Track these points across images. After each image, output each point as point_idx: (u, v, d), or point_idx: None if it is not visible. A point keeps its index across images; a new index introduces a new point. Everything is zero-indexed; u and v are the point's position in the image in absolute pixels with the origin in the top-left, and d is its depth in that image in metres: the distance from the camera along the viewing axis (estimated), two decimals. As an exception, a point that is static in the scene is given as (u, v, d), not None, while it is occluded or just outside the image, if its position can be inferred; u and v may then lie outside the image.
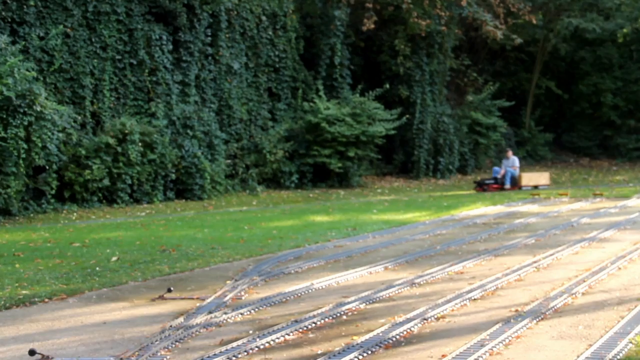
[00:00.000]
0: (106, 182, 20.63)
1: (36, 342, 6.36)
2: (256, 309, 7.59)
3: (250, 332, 6.60)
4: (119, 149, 20.88)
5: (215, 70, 24.98)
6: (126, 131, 21.06)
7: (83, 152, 20.39)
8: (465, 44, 32.60)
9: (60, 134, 19.62)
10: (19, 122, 17.49)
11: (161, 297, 8.29)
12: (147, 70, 22.90)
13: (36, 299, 8.26)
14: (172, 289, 8.53)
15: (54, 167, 19.46)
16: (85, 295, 8.56)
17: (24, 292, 8.58)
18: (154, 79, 23.06)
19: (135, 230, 15.01)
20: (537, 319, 6.98)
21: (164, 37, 23.25)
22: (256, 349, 6.04)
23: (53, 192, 19.55)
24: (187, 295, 8.36)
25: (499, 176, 25.31)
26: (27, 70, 18.30)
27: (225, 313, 7.32)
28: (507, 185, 25.11)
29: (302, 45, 27.48)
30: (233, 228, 15.09)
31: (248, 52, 26.07)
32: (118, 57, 22.37)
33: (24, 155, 17.76)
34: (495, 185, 24.99)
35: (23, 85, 17.67)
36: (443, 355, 5.85)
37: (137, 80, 22.83)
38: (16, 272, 9.86)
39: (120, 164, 20.93)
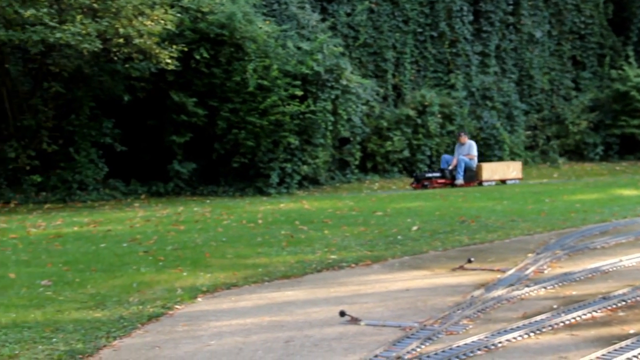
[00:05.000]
0: (406, 153, 21.13)
1: (345, 304, 6.69)
2: (560, 284, 7.35)
3: (555, 307, 6.41)
4: (419, 121, 21.27)
5: (516, 40, 24.42)
6: (426, 103, 21.37)
7: (384, 124, 21.04)
8: None
9: (364, 107, 20.41)
10: (326, 95, 18.46)
11: (461, 268, 8.33)
12: (447, 42, 23.01)
13: (343, 264, 8.69)
14: (472, 259, 8.53)
15: (358, 138, 20.29)
16: (388, 263, 8.84)
17: (332, 256, 9.06)
18: (454, 50, 23.12)
19: (434, 201, 15.20)
20: None
21: (465, 8, 23.17)
22: (561, 324, 5.86)
23: (357, 162, 20.44)
24: (487, 267, 8.31)
25: (449, 167, 19.09)
26: (335, 46, 19.23)
27: (527, 286, 7.18)
28: (460, 180, 18.90)
29: (611, 10, 25.89)
30: (533, 200, 14.72)
31: (551, 19, 25.13)
32: (419, 30, 22.72)
33: (330, 128, 18.74)
34: (441, 180, 18.82)
35: (331, 61, 18.61)
36: None
37: (437, 52, 23.04)
38: (325, 237, 10.45)
39: (420, 136, 21.31)
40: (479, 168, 19.47)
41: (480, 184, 19.26)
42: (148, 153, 18.46)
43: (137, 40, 15.42)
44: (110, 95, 17.47)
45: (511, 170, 19.83)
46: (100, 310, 6.56)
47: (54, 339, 5.65)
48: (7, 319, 6.22)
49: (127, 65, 16.62)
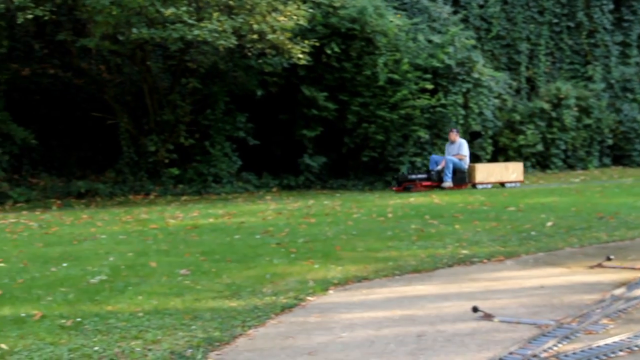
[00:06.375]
0: (539, 147, 20.62)
1: (477, 299, 6.59)
2: None
3: (702, 309, 6.10)
4: (554, 114, 20.71)
5: (660, 29, 23.36)
6: (561, 96, 20.78)
7: (517, 117, 20.60)
8: None
9: (496, 100, 20.05)
10: (458, 89, 18.25)
11: (599, 265, 8.05)
12: (584, 33, 22.26)
13: (475, 259, 8.56)
14: (611, 257, 8.22)
15: (489, 132, 19.95)
16: (521, 259, 8.64)
17: (463, 251, 8.94)
18: (592, 41, 22.34)
19: (569, 196, 14.74)
20: None
21: (605, -3, 22.39)
22: None
23: (488, 157, 20.11)
24: (628, 265, 7.98)
25: (438, 168, 17.28)
26: (466, 38, 18.98)
27: (672, 287, 6.85)
28: (447, 183, 17.10)
29: None
30: (678, 197, 14.03)
31: (699, 5, 23.87)
32: (555, 20, 22.09)
33: (461, 121, 18.51)
34: (426, 183, 17.07)
35: (462, 54, 18.38)
36: None
37: (573, 44, 22.34)
38: (456, 232, 10.32)
39: (555, 129, 20.75)
40: (471, 169, 17.57)
41: (473, 186, 17.50)
42: (279, 147, 18.82)
43: (270, 36, 15.73)
44: (244, 90, 17.92)
45: (510, 172, 17.84)
46: (236, 299, 6.73)
47: (193, 326, 5.85)
48: (149, 305, 6.49)
49: (260, 61, 16.99)
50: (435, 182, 17.17)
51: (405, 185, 16.98)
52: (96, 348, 5.31)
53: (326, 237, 10.07)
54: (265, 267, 8.12)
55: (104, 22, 15.12)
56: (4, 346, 5.36)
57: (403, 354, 5.12)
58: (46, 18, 15.39)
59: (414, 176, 17.18)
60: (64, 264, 8.47)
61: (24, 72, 18.40)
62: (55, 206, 15.68)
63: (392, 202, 14.37)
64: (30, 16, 14.93)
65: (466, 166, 17.46)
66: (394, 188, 17.22)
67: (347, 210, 13.07)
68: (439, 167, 17.25)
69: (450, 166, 17.14)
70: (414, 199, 15.01)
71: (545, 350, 5.00)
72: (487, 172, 17.63)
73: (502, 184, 17.68)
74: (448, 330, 5.70)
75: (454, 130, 17.83)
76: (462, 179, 17.36)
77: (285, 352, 5.24)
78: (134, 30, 15.08)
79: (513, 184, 17.66)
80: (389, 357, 5.07)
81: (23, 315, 6.23)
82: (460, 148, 17.57)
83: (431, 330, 5.70)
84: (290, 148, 18.58)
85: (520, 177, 17.93)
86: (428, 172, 17.35)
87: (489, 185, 17.49)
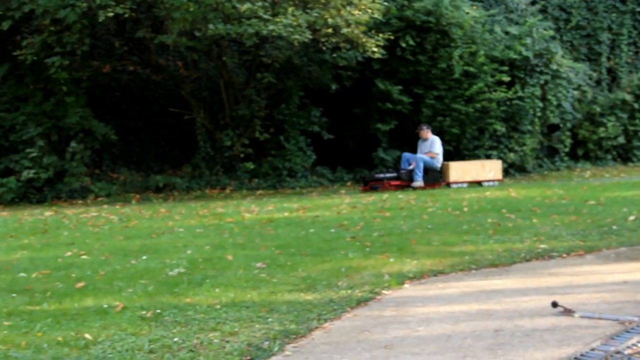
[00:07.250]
0: (621, 139, 20.11)
1: (556, 294, 6.47)
2: None
3: None
4: (636, 106, 20.16)
5: None
6: (643, 87, 20.22)
7: (597, 109, 20.12)
8: None
9: (575, 92, 19.62)
10: (535, 81, 17.93)
11: (685, 261, 7.80)
12: (669, 21, 21.60)
13: (554, 254, 8.41)
14: (697, 253, 7.97)
15: (568, 125, 19.55)
16: (602, 253, 8.44)
17: (542, 246, 8.79)
18: (677, 29, 21.67)
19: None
20: None
21: (691, -17, 21.66)
22: None
23: (566, 150, 19.70)
24: None
25: (409, 167, 16.30)
26: (545, 29, 18.62)
27: None
28: (418, 182, 16.08)
29: None
30: None
31: None
32: (638, 9, 21.46)
33: (539, 114, 18.19)
34: (395, 182, 16.11)
35: (540, 45, 18.05)
36: None
37: (657, 33, 21.70)
38: (534, 226, 10.15)
39: (637, 121, 20.23)
40: (445, 168, 16.61)
41: (448, 185, 16.51)
42: (353, 141, 18.81)
43: (345, 30, 15.73)
44: (318, 85, 17.97)
45: (487, 170, 16.78)
46: (311, 293, 6.76)
47: (270, 319, 5.90)
48: (226, 298, 6.58)
49: (334, 55, 17.01)
50: (405, 181, 16.31)
51: (372, 185, 16.21)
52: (175, 339, 5.41)
53: (401, 231, 10.03)
54: (340, 261, 8.13)
55: (181, 19, 15.37)
56: (88, 336, 5.51)
57: (480, 349, 5.06)
58: (126, 16, 15.73)
59: (381, 175, 16.37)
60: (144, 257, 8.66)
61: (104, 69, 18.87)
62: (134, 200, 16.04)
63: (468, 195, 14.21)
64: (110, 14, 15.29)
65: (439, 164, 16.54)
66: (360, 187, 16.49)
67: (422, 204, 12.99)
68: (411, 167, 16.39)
69: (421, 165, 16.23)
70: (490, 192, 14.81)
71: (629, 347, 4.88)
72: (462, 171, 16.71)
73: (479, 183, 16.74)
74: (526, 325, 5.61)
75: (424, 126, 16.91)
76: (435, 178, 16.49)
77: (361, 346, 5.24)
78: (211, 26, 15.29)
79: (491, 183, 16.71)
80: (466, 352, 5.02)
81: (105, 306, 6.39)
82: (432, 145, 16.60)
83: (509, 325, 5.62)
84: (364, 142, 18.56)
85: (499, 176, 17.00)
86: (398, 171, 16.51)
87: (465, 185, 16.56)
